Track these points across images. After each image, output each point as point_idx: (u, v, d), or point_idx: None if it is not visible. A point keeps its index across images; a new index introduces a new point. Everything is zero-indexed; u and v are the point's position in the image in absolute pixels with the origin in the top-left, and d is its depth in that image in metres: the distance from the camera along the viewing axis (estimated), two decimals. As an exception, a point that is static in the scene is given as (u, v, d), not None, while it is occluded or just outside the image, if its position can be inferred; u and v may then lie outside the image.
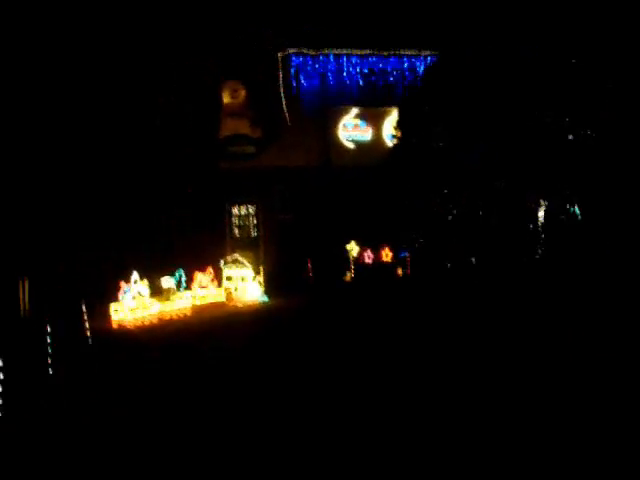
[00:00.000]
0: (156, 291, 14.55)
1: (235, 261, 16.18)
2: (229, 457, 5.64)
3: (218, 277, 16.15)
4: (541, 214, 13.75)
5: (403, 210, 15.57)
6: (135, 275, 13.78)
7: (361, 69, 20.67)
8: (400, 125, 16.06)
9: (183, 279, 15.11)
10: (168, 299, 14.55)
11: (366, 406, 6.79)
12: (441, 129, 13.47)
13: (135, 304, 13.75)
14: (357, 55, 20.58)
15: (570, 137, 13.15)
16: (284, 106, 19.66)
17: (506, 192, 13.49)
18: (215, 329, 12.77)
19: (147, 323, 13.46)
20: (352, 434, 5.98)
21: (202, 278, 15.72)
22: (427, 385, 7.53)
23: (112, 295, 13.72)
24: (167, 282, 14.57)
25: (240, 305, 15.43)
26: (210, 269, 15.95)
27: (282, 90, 19.79)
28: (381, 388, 7.46)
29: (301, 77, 20.14)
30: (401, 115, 16.11)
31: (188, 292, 15.24)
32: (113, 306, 13.51)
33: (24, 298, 13.00)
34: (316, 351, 9.81)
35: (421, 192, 14.51)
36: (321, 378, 8.12)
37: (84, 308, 11.67)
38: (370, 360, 8.97)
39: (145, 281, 14.01)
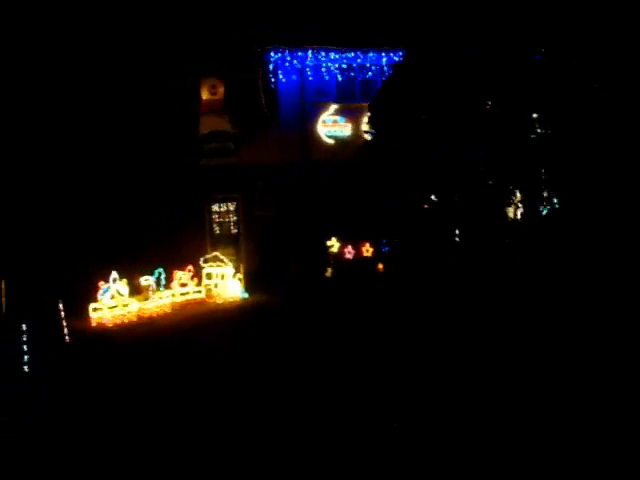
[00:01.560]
0: (136, 290, 14.54)
1: (215, 258, 16.20)
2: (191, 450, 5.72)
3: (198, 275, 16.15)
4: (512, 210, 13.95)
5: (375, 209, 15.67)
6: (114, 274, 13.77)
7: (340, 65, 20.67)
8: (371, 122, 16.08)
9: (162, 277, 15.11)
10: (147, 298, 14.54)
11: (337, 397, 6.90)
12: (417, 128, 13.50)
13: (114, 303, 13.74)
14: (336, 50, 20.52)
15: (539, 131, 13.33)
16: (263, 102, 19.63)
17: (479, 189, 13.61)
18: (193, 326, 12.83)
19: (126, 321, 13.51)
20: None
21: (182, 276, 15.71)
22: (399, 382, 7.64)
23: (92, 295, 13.71)
24: (146, 280, 14.55)
25: (220, 302, 15.47)
26: (190, 267, 15.95)
27: (261, 86, 19.76)
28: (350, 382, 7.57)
29: (280, 73, 20.11)
30: (372, 112, 16.09)
31: (168, 290, 15.24)
32: (92, 305, 13.51)
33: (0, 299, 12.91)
34: (294, 347, 9.90)
35: (388, 192, 14.60)
36: (298, 373, 8.22)
37: (61, 307, 11.71)
38: (344, 355, 9.07)
39: (124, 280, 14.01)
